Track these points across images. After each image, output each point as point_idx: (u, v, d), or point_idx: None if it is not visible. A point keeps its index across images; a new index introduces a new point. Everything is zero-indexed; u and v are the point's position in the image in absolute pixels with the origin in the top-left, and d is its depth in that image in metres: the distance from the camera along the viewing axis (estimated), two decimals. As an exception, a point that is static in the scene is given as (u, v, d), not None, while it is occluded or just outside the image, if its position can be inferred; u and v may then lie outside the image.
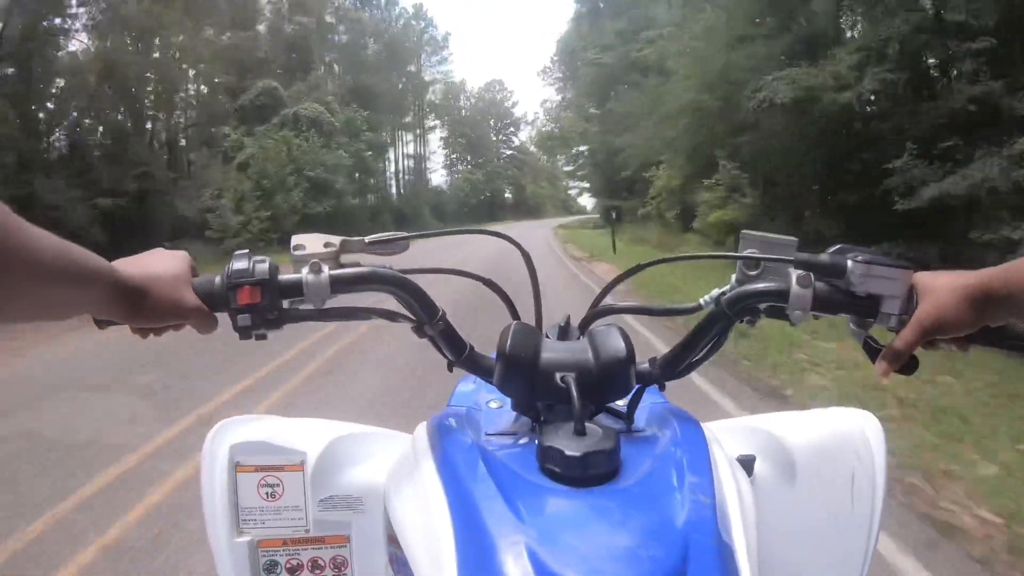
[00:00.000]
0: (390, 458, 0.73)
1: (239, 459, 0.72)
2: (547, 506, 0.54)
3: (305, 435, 0.75)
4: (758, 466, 0.74)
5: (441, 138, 69.20)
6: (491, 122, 75.11)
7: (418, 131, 61.66)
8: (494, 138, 74.46)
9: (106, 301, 0.58)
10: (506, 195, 75.59)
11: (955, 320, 0.63)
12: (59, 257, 0.50)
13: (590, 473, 0.56)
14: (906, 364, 0.67)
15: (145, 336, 0.66)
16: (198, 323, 0.65)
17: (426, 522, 0.56)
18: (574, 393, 0.61)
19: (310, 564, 0.72)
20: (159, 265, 0.63)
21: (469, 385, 0.84)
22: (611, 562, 0.46)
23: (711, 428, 0.72)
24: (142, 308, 0.61)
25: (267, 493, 0.72)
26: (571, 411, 0.60)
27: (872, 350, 0.68)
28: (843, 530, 0.73)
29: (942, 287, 0.64)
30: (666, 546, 0.48)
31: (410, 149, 60.20)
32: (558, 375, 0.63)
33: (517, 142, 76.53)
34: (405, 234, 0.74)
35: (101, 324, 0.64)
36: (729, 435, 0.79)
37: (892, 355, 0.66)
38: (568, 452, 0.55)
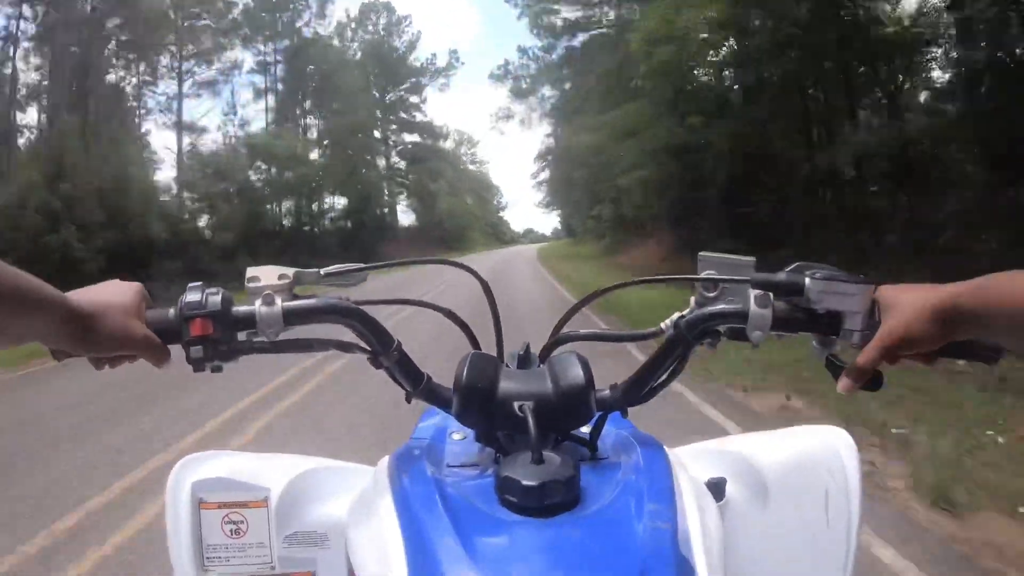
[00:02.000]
0: (354, 492, 0.72)
1: (202, 496, 0.72)
2: (503, 539, 0.53)
3: (269, 471, 0.74)
4: (730, 488, 0.74)
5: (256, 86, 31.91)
6: (370, 75, 38.90)
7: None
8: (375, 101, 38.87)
9: (55, 329, 0.58)
10: (397, 210, 42.86)
11: (921, 336, 0.63)
12: (7, 283, 0.50)
13: (548, 503, 0.55)
14: (871, 380, 0.66)
15: (100, 367, 0.66)
16: (149, 354, 0.65)
17: (382, 559, 0.55)
18: (531, 422, 0.60)
19: None
20: (110, 295, 0.63)
21: (434, 417, 0.83)
22: None
23: (678, 452, 0.71)
24: (91, 338, 0.60)
25: (231, 530, 0.71)
26: (529, 438, 0.59)
27: (835, 368, 0.67)
28: (820, 549, 0.72)
29: (907, 303, 0.64)
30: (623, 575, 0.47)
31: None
32: (516, 404, 0.63)
33: (423, 117, 42.68)
34: (362, 265, 0.73)
35: (58, 355, 0.63)
36: (699, 458, 0.78)
37: (856, 373, 0.66)
38: (525, 482, 0.55)
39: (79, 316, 0.59)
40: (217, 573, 0.71)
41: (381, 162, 42.75)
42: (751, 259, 0.70)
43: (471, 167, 64.36)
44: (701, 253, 0.71)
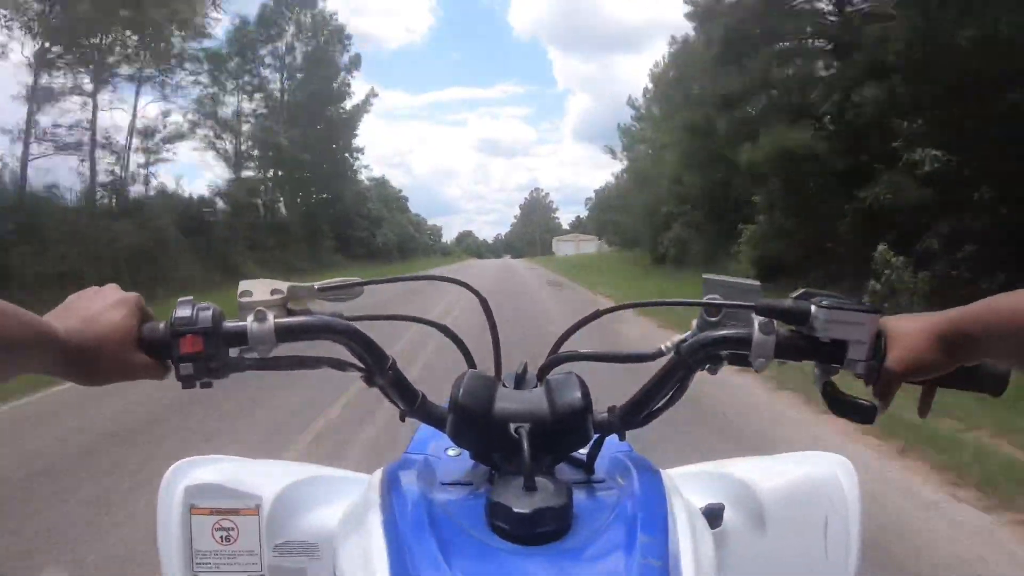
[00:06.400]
0: (346, 503, 0.71)
1: (194, 501, 0.71)
2: (489, 566, 0.52)
3: (262, 478, 0.74)
4: (728, 515, 0.73)
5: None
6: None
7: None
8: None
9: (49, 367, 0.57)
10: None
11: (928, 363, 0.62)
12: None
13: (538, 531, 0.54)
14: (864, 412, 0.65)
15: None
16: (146, 376, 0.64)
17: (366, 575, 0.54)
18: (525, 446, 0.59)
19: None
20: (107, 323, 0.61)
21: (429, 431, 0.82)
22: None
23: (675, 476, 0.70)
24: (88, 371, 0.60)
25: (222, 537, 0.71)
26: (523, 463, 0.58)
27: (830, 396, 0.66)
28: None
29: (912, 331, 0.63)
30: None
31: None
32: (512, 426, 0.62)
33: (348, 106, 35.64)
34: (357, 280, 0.72)
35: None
36: (697, 483, 0.77)
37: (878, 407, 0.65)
38: (516, 509, 0.54)
39: (74, 352, 0.58)
40: None
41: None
42: (756, 283, 0.69)
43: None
44: (705, 276, 0.70)
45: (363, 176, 42.95)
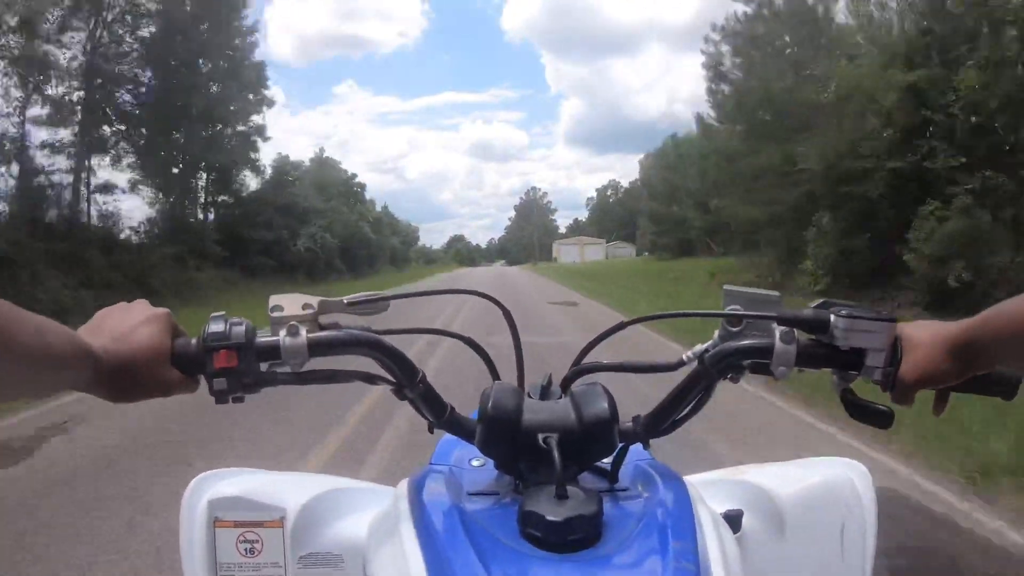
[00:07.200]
0: (371, 514, 0.72)
1: (218, 514, 0.71)
2: (526, 573, 0.53)
3: (285, 490, 0.74)
4: (746, 521, 0.74)
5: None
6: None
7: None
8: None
9: (84, 384, 0.57)
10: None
11: (942, 372, 0.64)
12: (34, 341, 0.49)
13: (571, 539, 0.55)
14: (880, 416, 0.67)
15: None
16: (178, 392, 0.65)
17: None
18: (556, 456, 0.60)
19: None
20: (140, 339, 0.61)
21: (451, 442, 0.83)
22: None
23: (696, 483, 0.71)
24: (122, 388, 0.61)
25: (246, 549, 0.71)
26: (554, 472, 0.59)
27: (849, 403, 0.68)
28: None
29: (926, 340, 0.64)
30: None
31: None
32: (541, 436, 0.63)
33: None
34: (385, 294, 0.73)
35: None
36: (715, 490, 0.79)
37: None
38: (550, 517, 0.55)
39: (109, 369, 0.59)
40: None
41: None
42: (776, 294, 0.70)
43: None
44: (726, 286, 0.71)
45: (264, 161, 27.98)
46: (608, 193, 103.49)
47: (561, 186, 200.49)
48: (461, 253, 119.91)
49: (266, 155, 30.18)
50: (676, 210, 33.78)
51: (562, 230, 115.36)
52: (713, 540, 0.58)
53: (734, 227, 21.17)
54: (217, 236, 23.98)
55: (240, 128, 26.32)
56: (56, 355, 0.52)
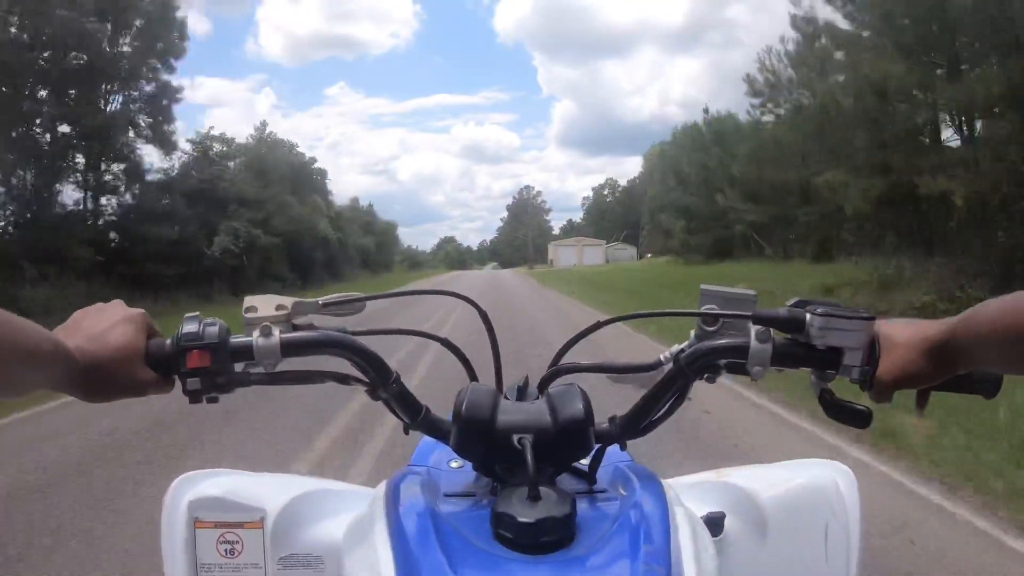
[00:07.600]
0: (351, 516, 0.71)
1: (198, 515, 0.72)
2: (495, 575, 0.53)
3: (266, 491, 0.74)
4: (729, 523, 0.74)
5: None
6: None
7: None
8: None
9: (58, 383, 0.58)
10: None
11: (920, 373, 0.63)
12: (10, 335, 0.49)
13: (543, 540, 0.55)
14: (858, 416, 0.66)
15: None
16: (153, 392, 0.65)
17: None
18: (529, 456, 0.60)
19: None
20: (114, 338, 0.62)
21: (431, 443, 0.83)
22: None
23: (678, 486, 0.71)
24: (97, 388, 0.61)
25: (226, 550, 0.71)
26: (527, 473, 0.59)
27: (827, 403, 0.67)
28: None
29: (905, 340, 0.64)
30: None
31: None
32: (515, 437, 0.63)
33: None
34: (360, 295, 0.73)
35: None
36: (698, 492, 0.78)
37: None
38: (521, 519, 0.55)
39: (84, 368, 0.59)
40: None
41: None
42: (753, 293, 0.69)
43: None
44: (703, 285, 0.71)
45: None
46: (605, 192, 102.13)
47: (553, 188, 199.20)
48: (451, 255, 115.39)
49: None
50: (722, 200, 25.68)
51: (556, 232, 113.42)
52: (688, 543, 0.58)
53: (851, 214, 13.97)
54: (91, 234, 17.22)
55: (148, 89, 19.03)
56: (30, 353, 0.52)
